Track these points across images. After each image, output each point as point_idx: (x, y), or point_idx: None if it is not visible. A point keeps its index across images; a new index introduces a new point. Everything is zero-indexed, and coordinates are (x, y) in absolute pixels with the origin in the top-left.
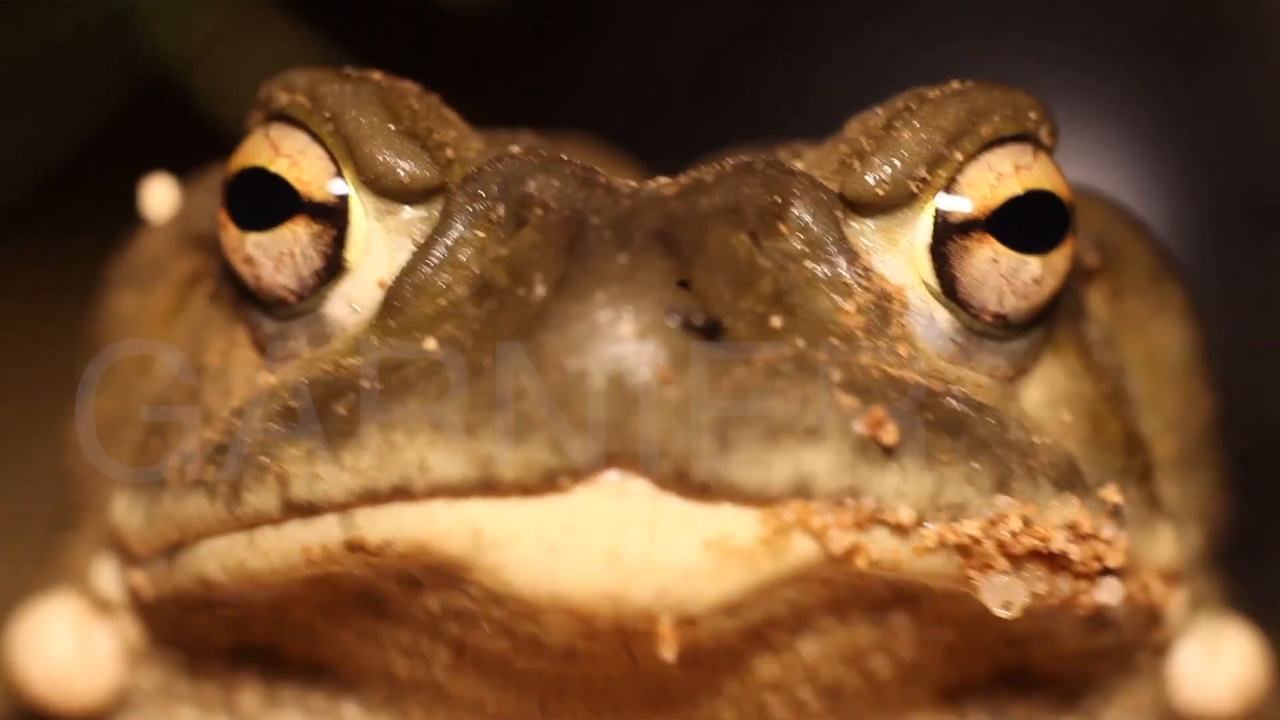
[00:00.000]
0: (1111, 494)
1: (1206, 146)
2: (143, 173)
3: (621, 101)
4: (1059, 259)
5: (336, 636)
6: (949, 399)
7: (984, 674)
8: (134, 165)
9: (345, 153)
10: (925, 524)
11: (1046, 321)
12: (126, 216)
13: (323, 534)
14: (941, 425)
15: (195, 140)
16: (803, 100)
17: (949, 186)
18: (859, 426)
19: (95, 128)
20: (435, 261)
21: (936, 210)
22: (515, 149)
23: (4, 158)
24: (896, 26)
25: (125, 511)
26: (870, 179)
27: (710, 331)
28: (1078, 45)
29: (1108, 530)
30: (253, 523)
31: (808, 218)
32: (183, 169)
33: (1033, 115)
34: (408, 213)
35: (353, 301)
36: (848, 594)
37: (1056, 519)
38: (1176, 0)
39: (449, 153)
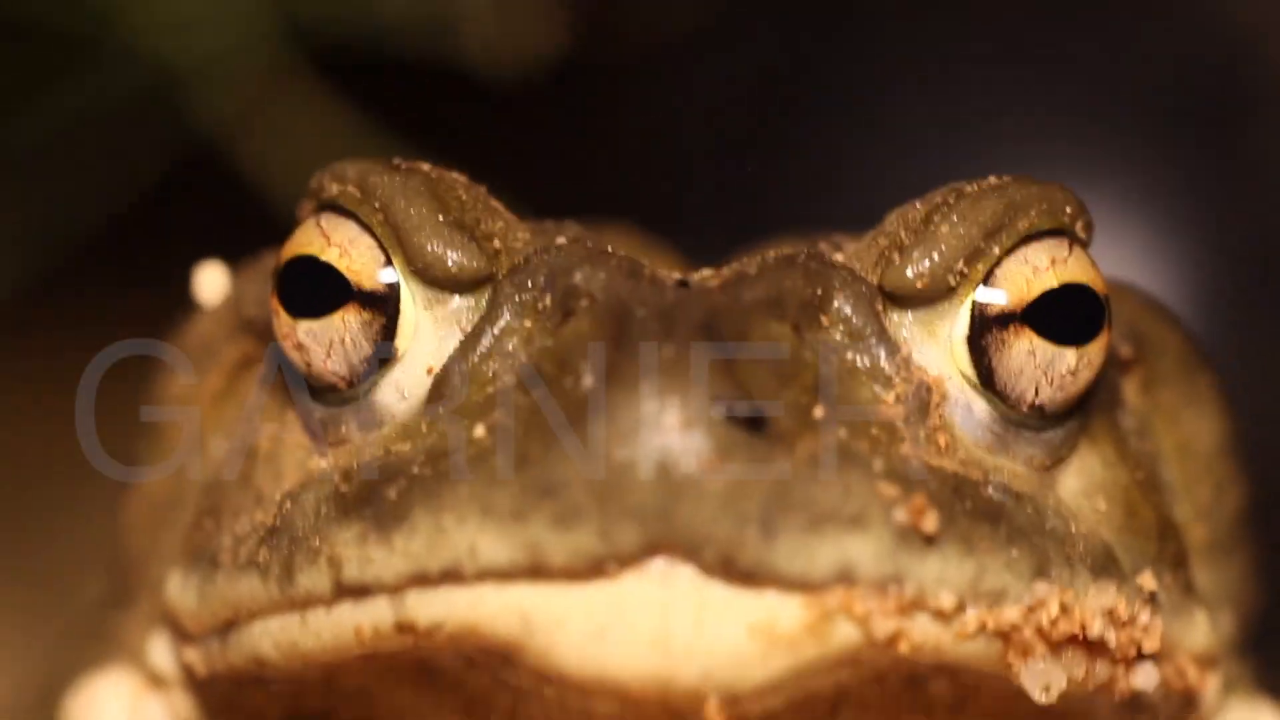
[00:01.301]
0: (1148, 581)
1: (1229, 225)
2: (182, 242)
3: (655, 173)
4: (1094, 351)
5: (391, 700)
6: (987, 488)
7: None
8: (174, 234)
9: (395, 243)
10: (966, 610)
11: (1082, 411)
12: (166, 286)
13: (374, 615)
14: (981, 513)
15: (235, 209)
16: (840, 178)
17: (987, 280)
18: (900, 515)
19: (136, 197)
20: (483, 350)
21: (974, 303)
22: (561, 240)
23: (46, 225)
24: (929, 108)
25: (179, 590)
26: (909, 272)
27: (754, 422)
28: (1107, 127)
29: (1144, 616)
30: (305, 603)
31: (849, 310)
32: (222, 238)
33: (1069, 210)
34: (456, 302)
35: (402, 388)
36: (890, 670)
37: (1094, 605)
38: (1195, 77)
39: (496, 243)
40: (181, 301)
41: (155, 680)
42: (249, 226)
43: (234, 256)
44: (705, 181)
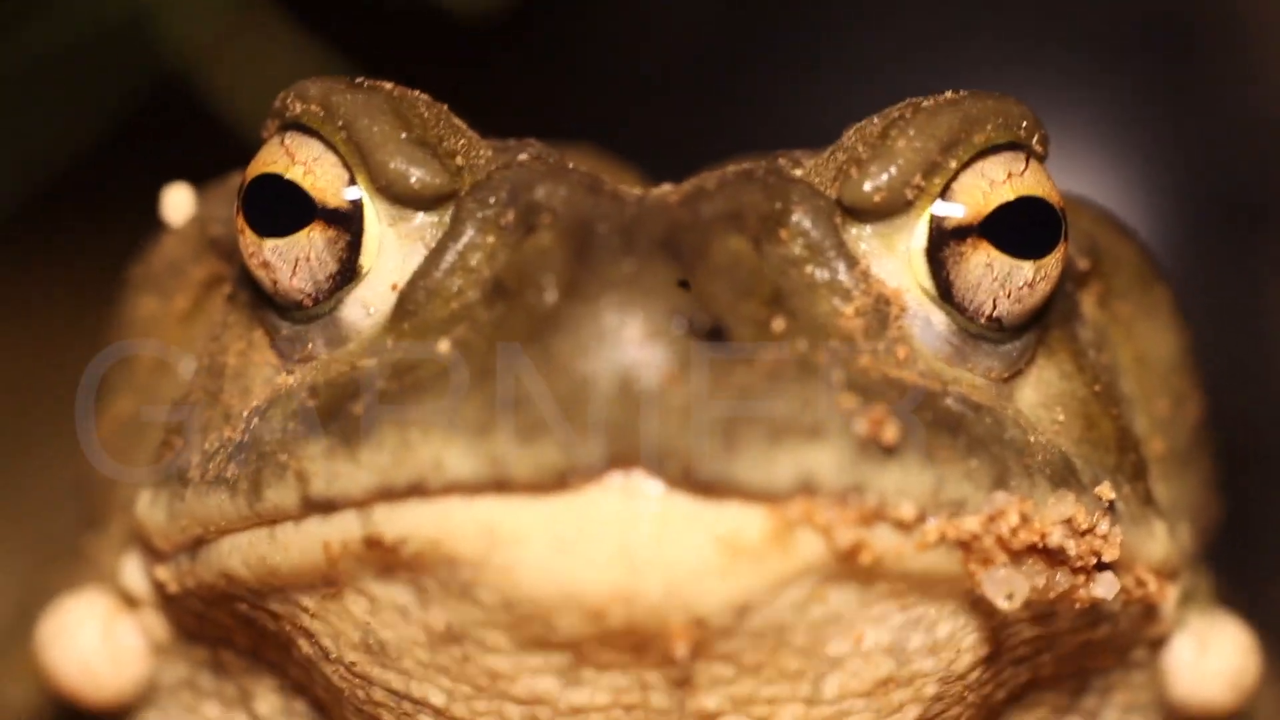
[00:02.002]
0: (1106, 491)
1: (1187, 150)
2: (153, 171)
3: (620, 104)
4: (1051, 263)
5: (328, 678)
6: (947, 399)
7: (1000, 704)
8: (145, 164)
9: (358, 160)
10: (927, 520)
11: (1040, 324)
12: (138, 215)
13: (341, 530)
14: (940, 424)
15: (204, 139)
16: (799, 104)
17: (944, 193)
18: (860, 426)
19: (107, 128)
20: (447, 265)
21: (932, 216)
22: (523, 156)
23: (17, 158)
24: (886, 32)
25: (149, 508)
26: (867, 186)
27: (714, 335)
28: (1062, 52)
29: (1103, 526)
30: (273, 518)
31: (807, 224)
32: (192, 168)
33: (1024, 124)
34: (420, 219)
35: (367, 305)
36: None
37: (1053, 515)
38: (1158, 5)
39: (459, 160)
40: (151, 233)
41: (128, 600)
42: (218, 158)
43: (194, 185)
44: (667, 108)
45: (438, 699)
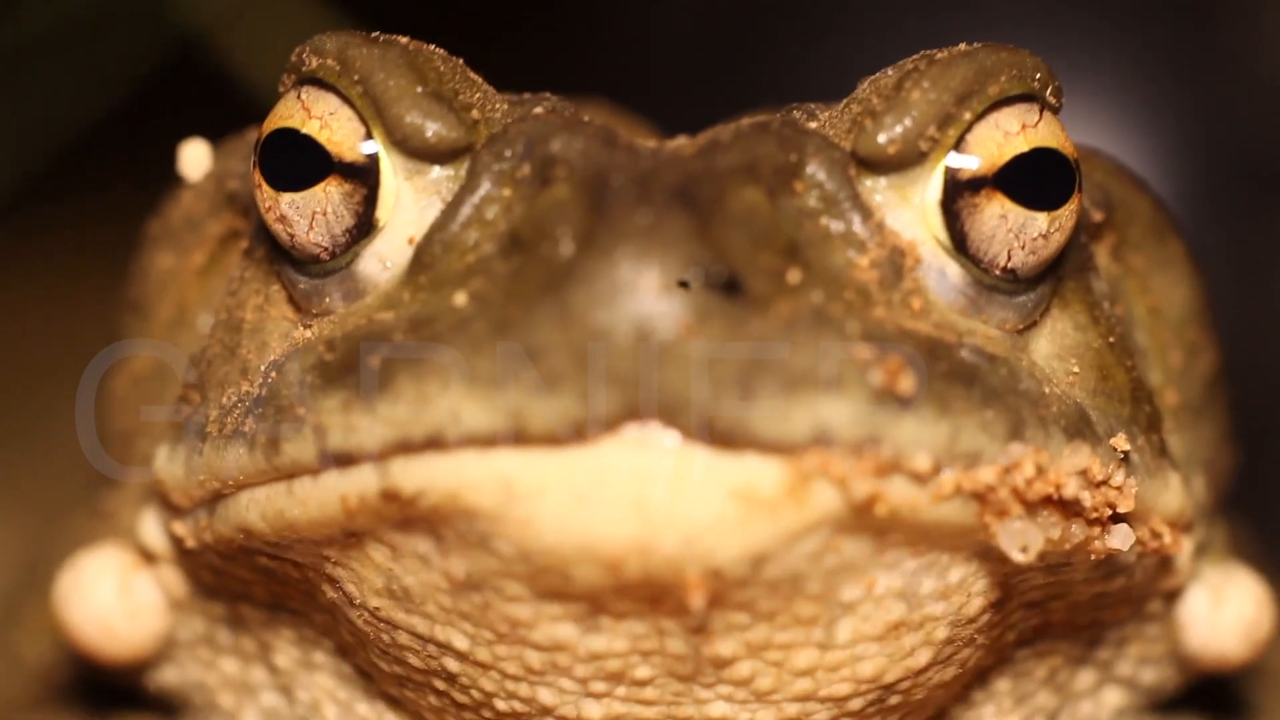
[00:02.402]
0: (1121, 442)
1: (1202, 112)
2: (170, 136)
3: (633, 59)
4: (1065, 214)
5: (353, 623)
6: (961, 350)
7: (1010, 647)
8: (162, 128)
9: (374, 114)
10: (942, 471)
11: (1054, 275)
12: (157, 178)
13: (359, 483)
14: (955, 375)
15: (221, 103)
16: (814, 59)
17: (958, 145)
18: (876, 377)
19: (125, 93)
20: (463, 219)
21: (946, 168)
22: (539, 110)
23: (36, 123)
24: None
25: (167, 463)
26: (882, 138)
27: (730, 286)
28: (1079, 10)
29: (1118, 477)
30: (291, 473)
31: (822, 175)
32: (209, 131)
33: (1038, 75)
34: (436, 172)
35: (384, 258)
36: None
37: (1068, 466)
38: None
39: (474, 114)
40: (169, 190)
41: (145, 556)
42: (233, 123)
43: (210, 142)
44: (681, 63)
45: (461, 643)
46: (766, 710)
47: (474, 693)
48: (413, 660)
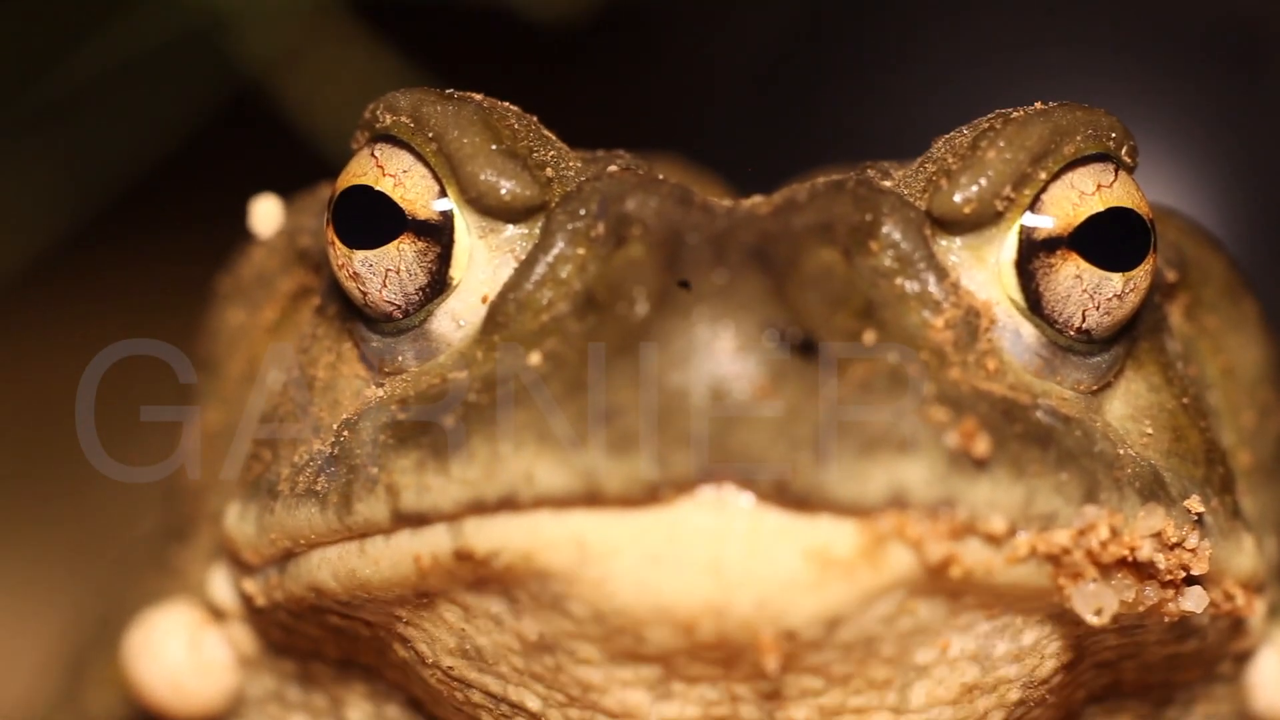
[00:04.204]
0: (1195, 504)
1: (1263, 157)
2: (229, 179)
3: (700, 112)
4: (1140, 275)
5: (425, 681)
6: (1036, 412)
7: (1079, 703)
8: (221, 172)
9: (449, 172)
10: (1017, 534)
11: (1128, 336)
12: (215, 222)
13: (432, 543)
14: (1030, 437)
15: (279, 147)
16: (880, 113)
17: (1033, 205)
18: (951, 439)
19: (184, 136)
20: (537, 277)
21: (1021, 228)
22: (613, 168)
23: (95, 166)
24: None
25: (238, 521)
26: (957, 198)
27: (806, 347)
28: (1136, 60)
29: (1192, 539)
30: (363, 532)
31: (898, 235)
32: (268, 176)
33: (1114, 135)
34: (510, 230)
35: (457, 317)
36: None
37: (1143, 528)
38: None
39: (549, 172)
40: (227, 241)
41: (215, 613)
42: (293, 168)
43: (279, 196)
44: (749, 119)
45: (534, 704)
46: None
47: None
48: (486, 718)
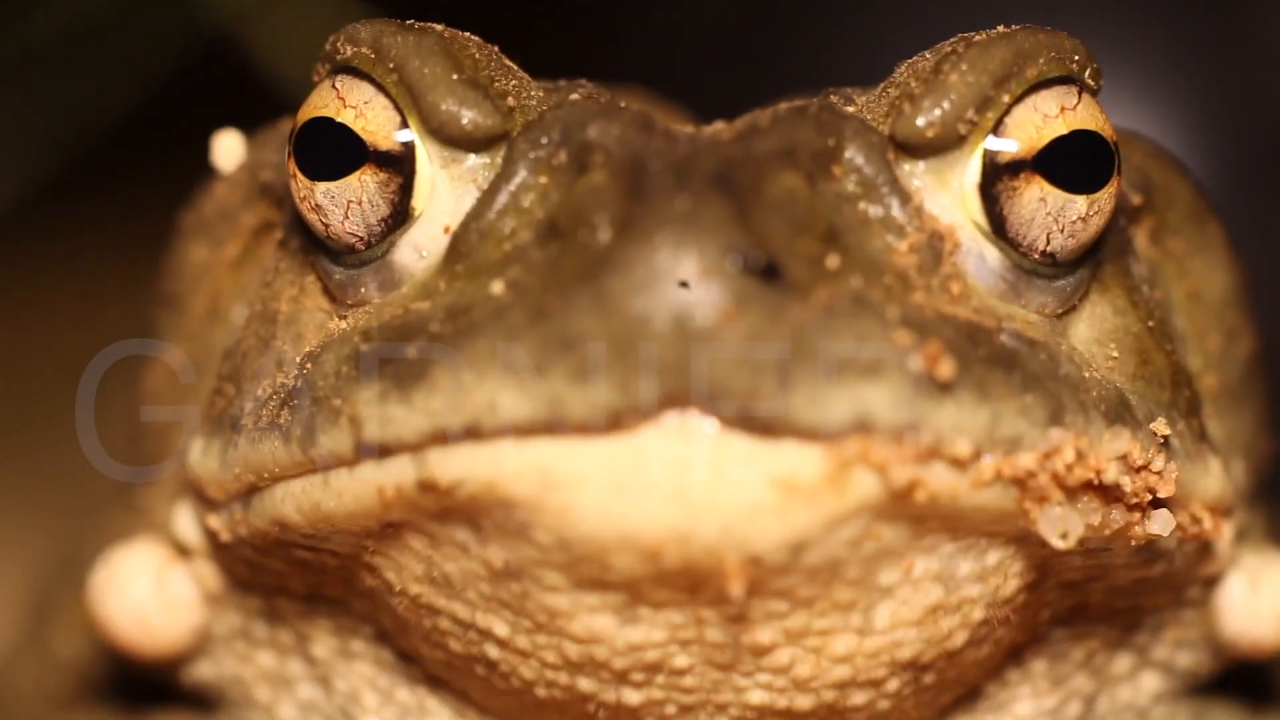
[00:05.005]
0: (1161, 427)
1: (1234, 87)
2: (197, 131)
3: (666, 47)
4: (1104, 198)
5: (393, 609)
6: (1001, 335)
7: (1044, 624)
8: (189, 123)
9: (410, 102)
10: (982, 457)
11: (1093, 259)
12: (184, 173)
13: (395, 474)
14: (995, 360)
15: (248, 97)
16: (847, 44)
17: (997, 128)
18: (916, 362)
19: (151, 88)
20: (499, 207)
21: (985, 151)
22: (575, 96)
23: (62, 120)
24: None
25: (201, 457)
26: (920, 121)
27: (769, 272)
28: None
29: (1159, 462)
30: (327, 464)
31: (860, 160)
32: (236, 125)
33: (1077, 57)
34: (471, 160)
35: (419, 248)
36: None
37: (1109, 451)
38: None
39: (510, 101)
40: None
41: (180, 550)
42: (260, 119)
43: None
44: (715, 52)
45: (501, 630)
46: (805, 697)
47: (514, 679)
48: (454, 646)
